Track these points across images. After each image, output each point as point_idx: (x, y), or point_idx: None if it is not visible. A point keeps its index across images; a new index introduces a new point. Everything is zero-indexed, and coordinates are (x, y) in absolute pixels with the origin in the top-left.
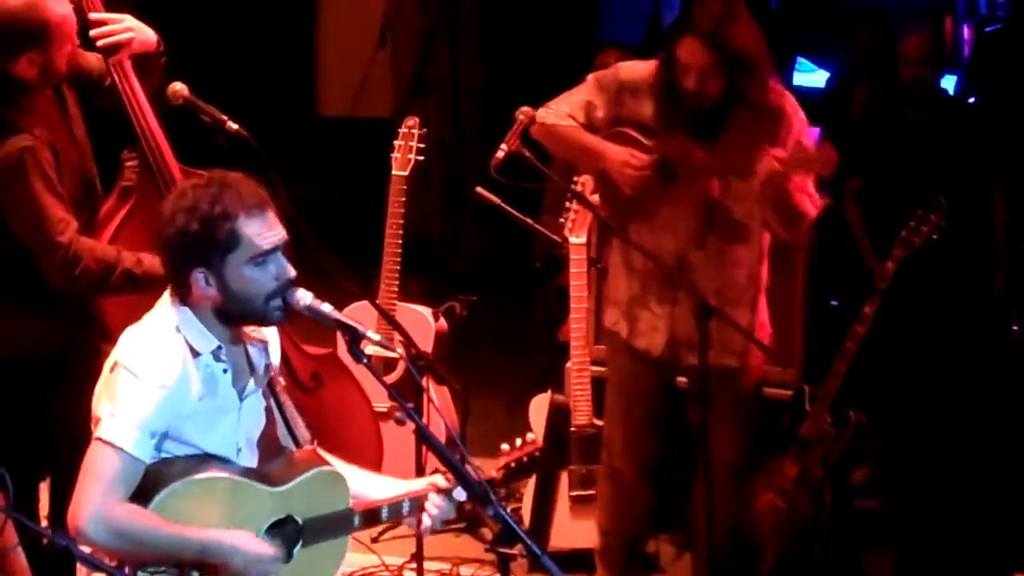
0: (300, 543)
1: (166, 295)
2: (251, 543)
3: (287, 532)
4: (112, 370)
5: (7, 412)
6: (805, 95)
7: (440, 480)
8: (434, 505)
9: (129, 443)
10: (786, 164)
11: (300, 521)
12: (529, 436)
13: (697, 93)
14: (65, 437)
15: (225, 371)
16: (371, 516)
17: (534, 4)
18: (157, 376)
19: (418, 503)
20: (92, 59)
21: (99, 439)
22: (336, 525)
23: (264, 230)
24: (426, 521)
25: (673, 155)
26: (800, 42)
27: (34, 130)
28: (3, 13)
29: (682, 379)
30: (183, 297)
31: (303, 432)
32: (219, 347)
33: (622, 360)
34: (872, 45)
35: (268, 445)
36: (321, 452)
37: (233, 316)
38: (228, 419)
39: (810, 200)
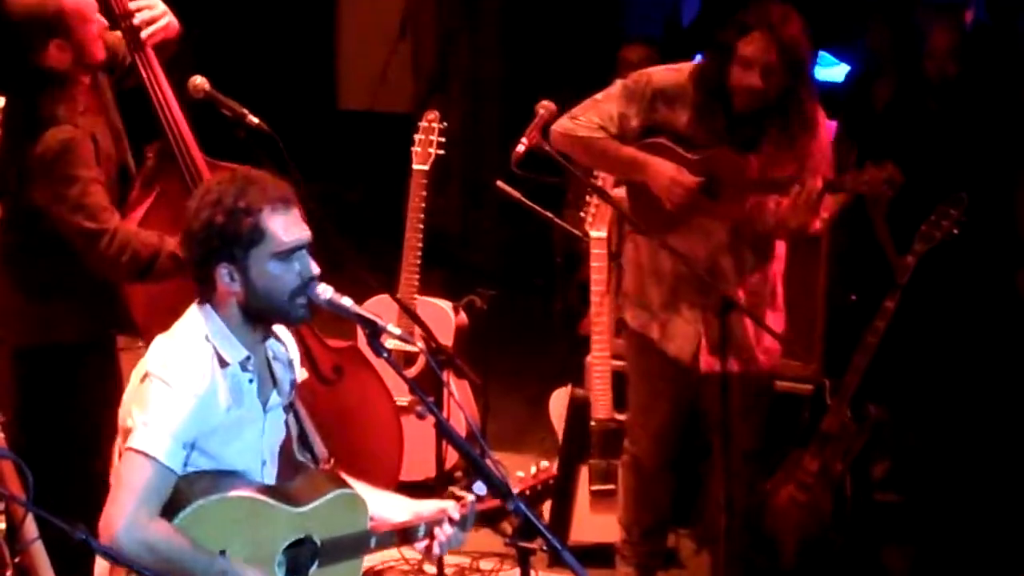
0: (316, 564)
1: (193, 306)
2: None
3: (304, 552)
4: (143, 380)
5: (30, 402)
6: (826, 89)
7: (452, 508)
8: (444, 533)
9: (162, 452)
10: (839, 185)
11: (318, 542)
12: (543, 463)
13: (757, 92)
14: (81, 431)
15: (251, 381)
16: (386, 538)
17: None
18: (189, 385)
19: (431, 528)
20: (111, 38)
21: (131, 449)
22: (352, 546)
23: (288, 226)
24: (436, 548)
25: (722, 172)
26: (823, 36)
27: (74, 120)
28: (19, 9)
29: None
30: (207, 296)
31: (321, 449)
32: (248, 357)
33: (649, 360)
34: (889, 37)
35: (284, 460)
36: (340, 473)
37: (257, 314)
38: (253, 430)
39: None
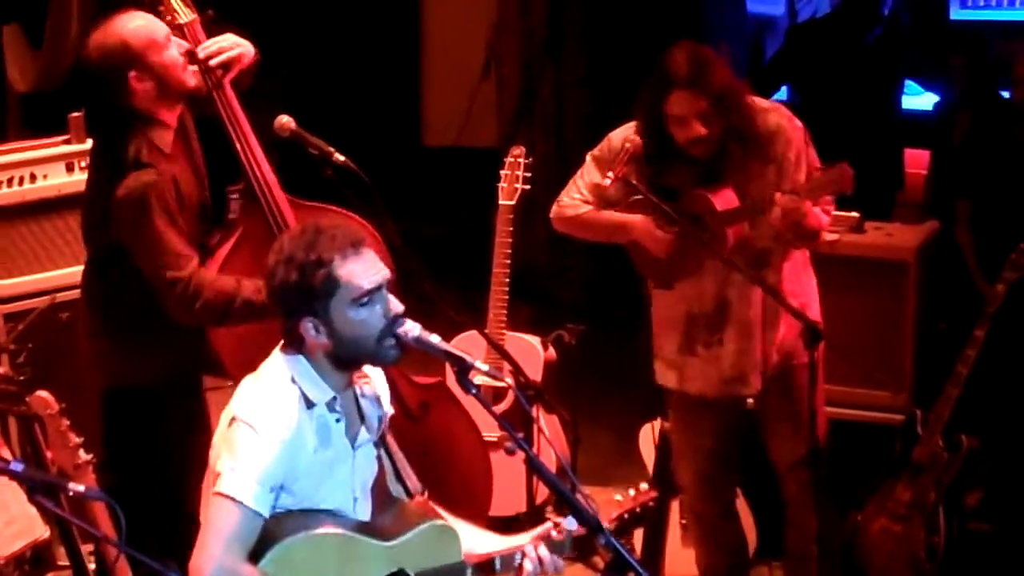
0: None
1: (279, 347)
2: None
3: None
4: (231, 425)
5: (118, 444)
6: (913, 118)
7: (549, 531)
8: (538, 551)
9: (249, 497)
10: (804, 192)
11: (412, 575)
12: (643, 486)
13: (699, 140)
14: (168, 471)
15: (338, 420)
16: (483, 568)
17: (639, 32)
18: (276, 429)
19: (525, 555)
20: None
21: (219, 494)
22: None
23: (363, 270)
24: (527, 566)
25: (700, 211)
26: (909, 65)
27: (158, 164)
28: (91, 53)
29: (750, 400)
30: (298, 347)
31: (414, 482)
32: (334, 398)
33: (679, 410)
34: (967, 71)
35: (379, 494)
36: (433, 505)
37: (348, 360)
38: (343, 469)
39: (824, 213)
